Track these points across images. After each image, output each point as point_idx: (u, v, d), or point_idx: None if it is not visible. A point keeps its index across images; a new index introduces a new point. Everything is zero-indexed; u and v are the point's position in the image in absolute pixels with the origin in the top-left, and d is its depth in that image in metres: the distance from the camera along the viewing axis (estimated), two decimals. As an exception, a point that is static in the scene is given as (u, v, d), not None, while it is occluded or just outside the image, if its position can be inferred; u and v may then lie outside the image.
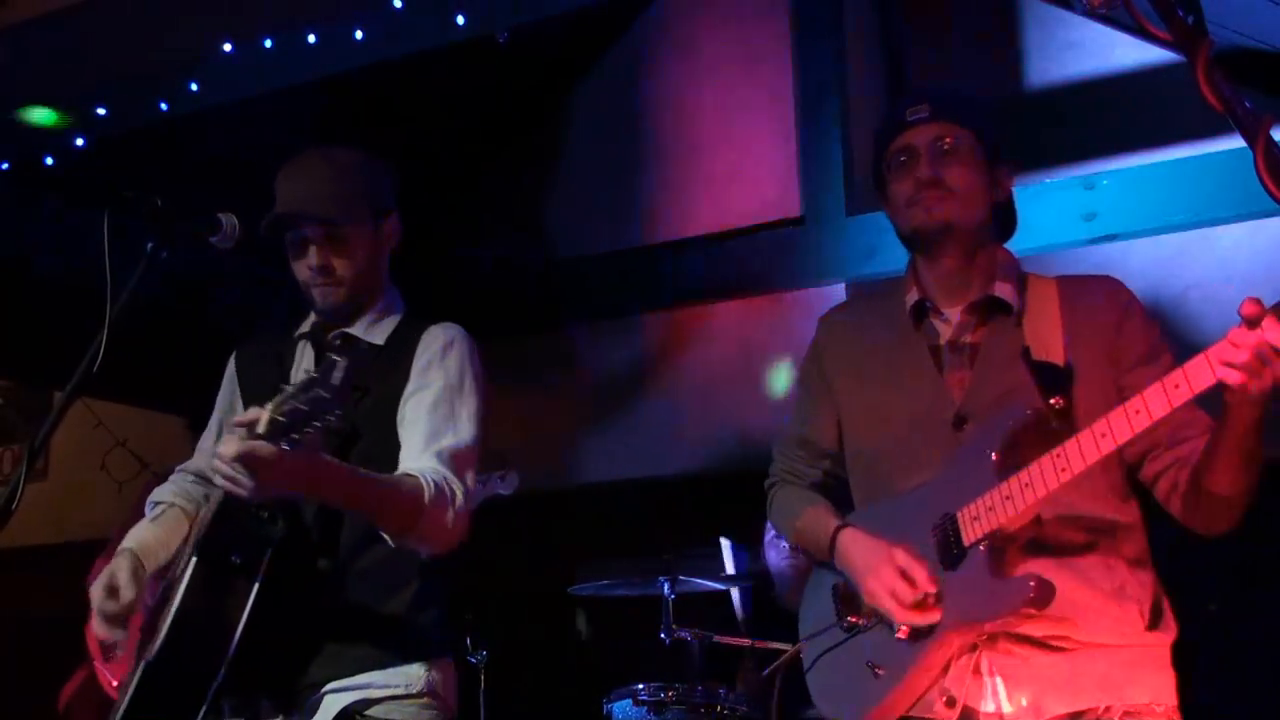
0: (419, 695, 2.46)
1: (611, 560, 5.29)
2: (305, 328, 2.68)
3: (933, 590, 2.16)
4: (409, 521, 2.33)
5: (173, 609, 2.32)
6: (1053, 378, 2.20)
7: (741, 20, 6.08)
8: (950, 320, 2.34)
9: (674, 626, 4.24)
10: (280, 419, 2.02)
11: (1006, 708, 2.15)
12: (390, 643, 2.46)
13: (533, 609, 5.66)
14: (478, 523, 4.72)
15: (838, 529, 2.35)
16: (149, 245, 2.31)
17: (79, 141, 4.62)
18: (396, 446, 2.48)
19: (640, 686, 4.08)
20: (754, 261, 5.73)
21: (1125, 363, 2.22)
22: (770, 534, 4.77)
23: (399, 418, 2.50)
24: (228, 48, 4.15)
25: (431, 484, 2.35)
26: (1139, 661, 2.17)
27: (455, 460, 2.43)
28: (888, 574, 2.19)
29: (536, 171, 6.54)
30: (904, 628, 2.19)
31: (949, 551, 2.16)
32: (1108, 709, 2.13)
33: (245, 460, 2.07)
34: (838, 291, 5.67)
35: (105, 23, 4.35)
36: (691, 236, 5.96)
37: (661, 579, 4.27)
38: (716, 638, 4.28)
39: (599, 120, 6.40)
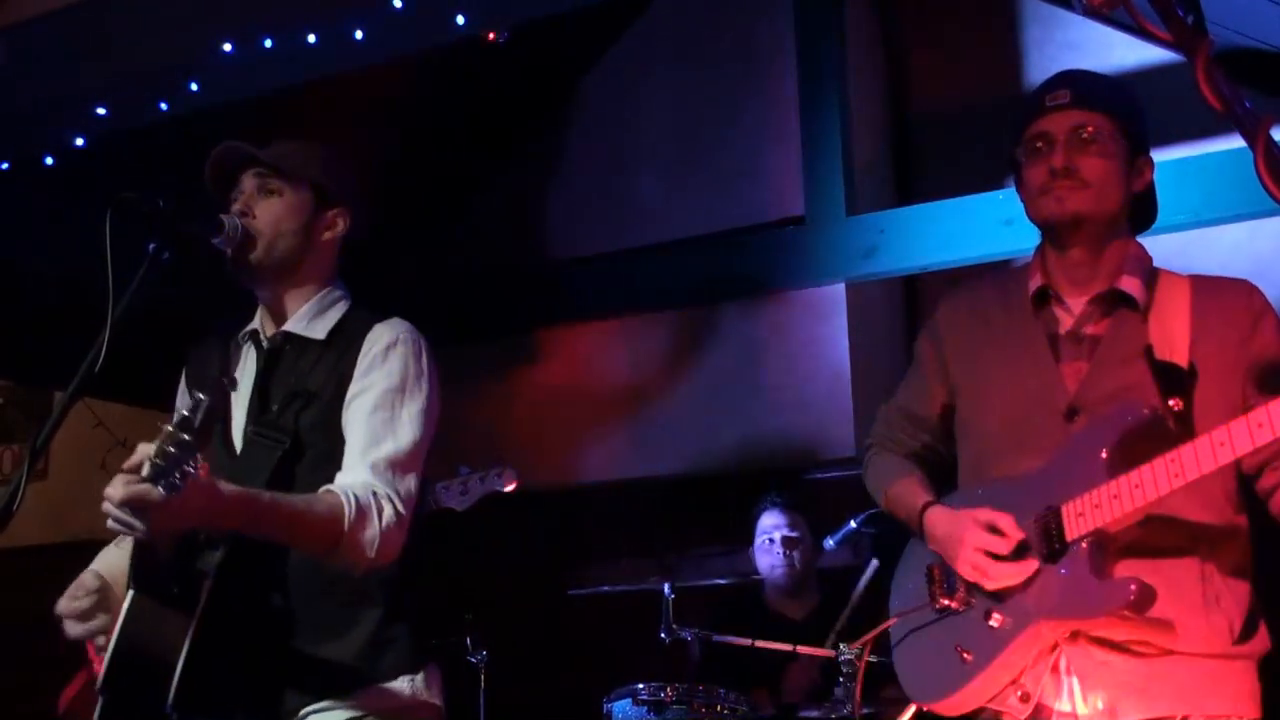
0: (406, 709, 2.40)
1: (611, 560, 5.30)
2: (249, 326, 2.60)
3: (1022, 536, 2.15)
4: (329, 544, 2.24)
5: (111, 643, 2.25)
6: (1174, 379, 2.15)
7: (742, 20, 6.08)
8: (1072, 310, 2.31)
9: (674, 626, 4.24)
10: (158, 462, 1.95)
11: (1081, 709, 2.13)
12: (365, 664, 2.38)
13: (533, 609, 5.66)
14: (478, 523, 4.76)
15: (925, 506, 2.35)
16: (151, 246, 2.29)
17: (79, 141, 4.61)
18: (336, 453, 2.39)
19: (640, 686, 4.08)
20: (754, 261, 5.73)
21: (1253, 371, 2.18)
22: (759, 542, 4.77)
23: (343, 420, 2.41)
24: (228, 48, 4.14)
25: (353, 501, 2.24)
26: (1221, 673, 2.13)
27: (392, 468, 2.33)
28: (974, 534, 2.18)
29: (536, 171, 6.54)
30: (997, 616, 2.17)
31: (1050, 544, 2.14)
32: (1185, 718, 2.11)
33: (132, 505, 1.98)
34: (838, 291, 5.67)
35: (105, 22, 4.34)
36: (691, 236, 5.96)
37: (661, 579, 4.28)
38: (716, 637, 4.28)
39: (599, 120, 6.40)
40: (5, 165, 4.80)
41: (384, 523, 2.27)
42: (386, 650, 2.40)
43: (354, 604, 2.39)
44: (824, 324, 5.68)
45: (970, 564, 2.20)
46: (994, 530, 2.17)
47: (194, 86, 4.34)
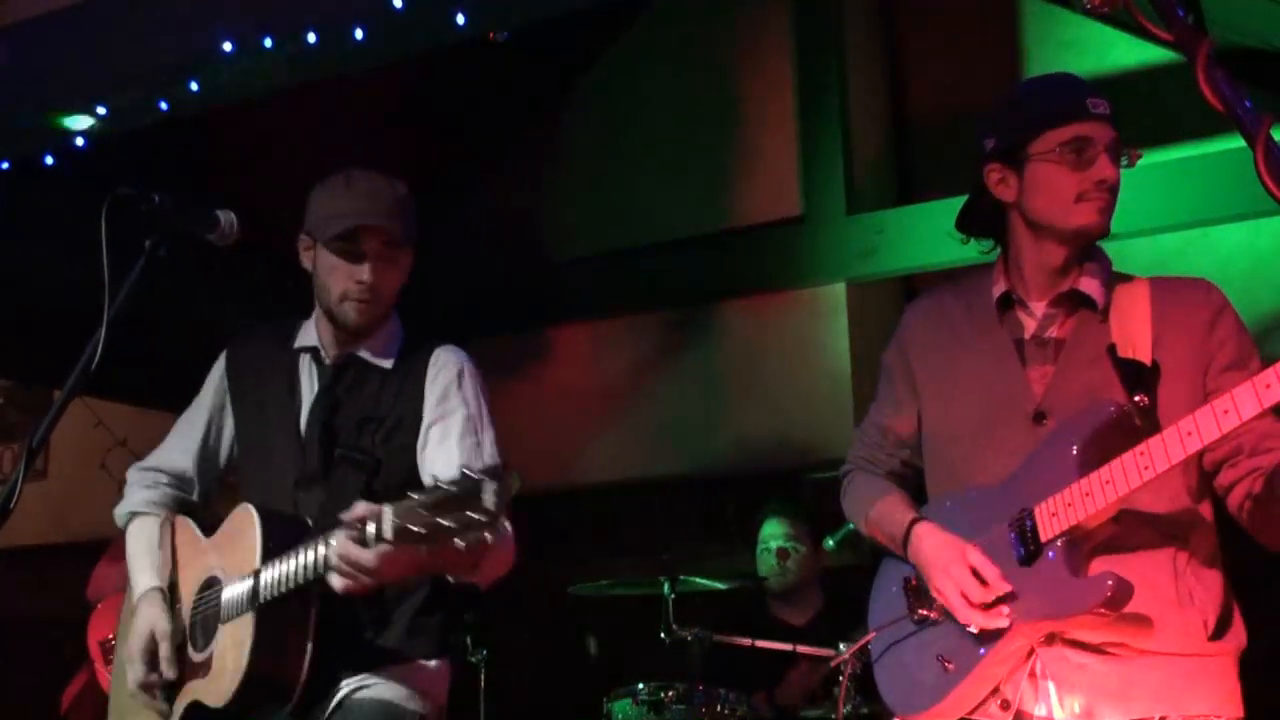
0: (412, 684, 2.54)
1: (611, 560, 5.30)
2: (307, 340, 2.68)
3: (1006, 590, 2.14)
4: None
5: (243, 666, 2.35)
6: (1138, 376, 2.15)
7: (741, 19, 6.08)
8: (1035, 314, 2.30)
9: (674, 626, 4.23)
10: (414, 529, 2.00)
11: (1058, 713, 2.13)
12: (398, 645, 2.53)
13: (533, 609, 5.65)
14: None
15: (913, 522, 2.32)
16: (147, 243, 2.30)
17: (79, 141, 4.61)
18: (415, 473, 2.52)
19: (640, 686, 4.08)
20: (754, 261, 5.73)
21: (1214, 367, 2.18)
22: (759, 549, 4.77)
23: (419, 445, 2.54)
24: (228, 48, 4.14)
25: None
26: (1199, 671, 2.12)
27: None
28: (959, 572, 2.17)
29: (536, 170, 6.54)
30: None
31: (1025, 547, 2.14)
32: (1163, 719, 2.10)
33: (371, 572, 2.13)
34: (838, 291, 5.68)
35: (105, 22, 4.34)
36: (691, 236, 5.96)
37: (661, 579, 4.27)
38: (716, 637, 4.28)
39: (599, 119, 6.40)
40: (5, 165, 4.80)
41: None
42: (418, 636, 2.55)
43: (404, 594, 2.54)
44: (824, 324, 5.68)
45: (946, 597, 2.20)
46: (979, 577, 2.16)
47: (194, 86, 4.34)
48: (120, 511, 2.74)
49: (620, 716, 4.11)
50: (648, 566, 4.45)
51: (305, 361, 2.67)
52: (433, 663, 2.58)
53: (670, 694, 4.04)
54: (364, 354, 2.63)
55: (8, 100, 4.52)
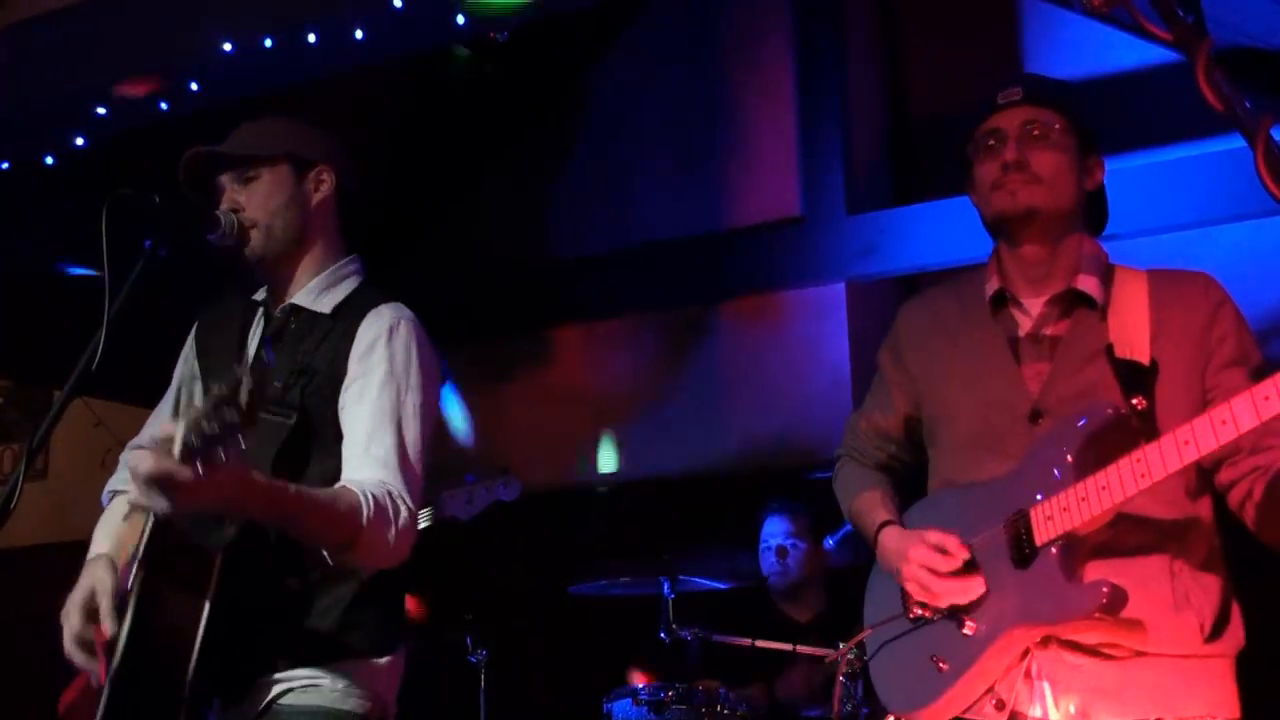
0: (344, 685, 2.38)
1: (611, 560, 5.30)
2: (261, 294, 2.60)
3: (966, 555, 2.16)
4: (346, 541, 2.23)
5: (125, 627, 2.22)
6: (1136, 376, 2.15)
7: (741, 20, 6.08)
8: (1030, 312, 2.30)
9: (674, 626, 4.24)
10: (191, 442, 1.93)
11: (1053, 714, 2.12)
12: (330, 640, 2.38)
13: (533, 609, 5.65)
14: (479, 523, 4.77)
15: (882, 525, 2.36)
16: (147, 243, 2.29)
17: (79, 141, 4.62)
18: (340, 431, 2.40)
19: (640, 686, 4.08)
20: (754, 261, 5.73)
21: (1214, 363, 2.18)
22: (761, 547, 4.78)
23: (340, 403, 2.41)
24: (228, 48, 4.14)
25: (372, 501, 2.23)
26: (1195, 673, 2.12)
27: (401, 464, 2.33)
28: (919, 552, 2.19)
29: (536, 170, 6.54)
30: (971, 624, 2.17)
31: (1020, 550, 2.13)
32: None
33: (159, 483, 1.97)
34: (838, 291, 5.68)
35: (105, 22, 4.35)
36: (691, 236, 5.96)
37: (661, 579, 4.28)
38: (716, 637, 4.28)
39: (599, 119, 6.40)
40: (5, 165, 4.80)
41: (400, 523, 2.27)
42: (355, 630, 2.39)
43: (333, 585, 2.38)
44: (824, 324, 5.68)
45: (914, 580, 2.22)
46: (940, 550, 2.18)
47: (194, 86, 4.35)
48: (104, 492, 2.67)
49: (620, 716, 4.11)
50: (648, 566, 4.45)
51: (258, 316, 2.58)
52: (381, 660, 2.42)
53: (670, 694, 4.04)
54: (302, 301, 2.51)
55: (8, 100, 4.52)
